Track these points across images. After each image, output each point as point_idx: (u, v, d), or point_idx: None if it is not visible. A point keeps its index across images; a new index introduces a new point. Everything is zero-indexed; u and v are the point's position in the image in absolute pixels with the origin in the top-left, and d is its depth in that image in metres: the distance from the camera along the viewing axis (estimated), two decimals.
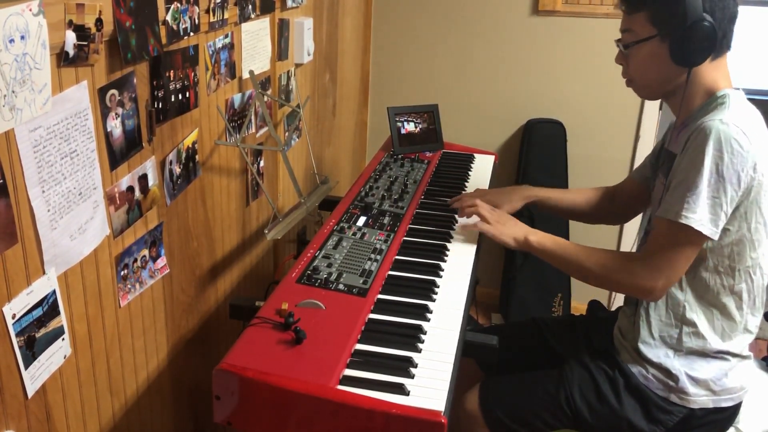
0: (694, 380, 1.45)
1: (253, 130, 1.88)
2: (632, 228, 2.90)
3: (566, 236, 2.95)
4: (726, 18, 1.38)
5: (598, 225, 1.93)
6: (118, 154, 1.25)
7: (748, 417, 1.60)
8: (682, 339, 1.45)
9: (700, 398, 1.45)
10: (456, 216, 1.69)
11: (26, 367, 1.06)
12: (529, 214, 2.89)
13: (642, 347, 1.48)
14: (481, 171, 2.16)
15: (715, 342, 1.44)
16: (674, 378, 1.45)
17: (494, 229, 1.59)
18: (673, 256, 1.36)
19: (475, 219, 1.64)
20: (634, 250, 1.66)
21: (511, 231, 1.59)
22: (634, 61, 1.46)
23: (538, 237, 1.57)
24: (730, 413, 1.50)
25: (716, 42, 1.36)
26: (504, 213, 1.67)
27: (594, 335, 1.68)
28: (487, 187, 2.05)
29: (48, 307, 1.10)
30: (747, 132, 1.30)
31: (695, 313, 1.44)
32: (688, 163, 1.33)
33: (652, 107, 2.80)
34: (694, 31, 1.35)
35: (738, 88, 1.46)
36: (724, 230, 1.36)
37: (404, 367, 1.18)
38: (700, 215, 1.31)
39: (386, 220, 1.71)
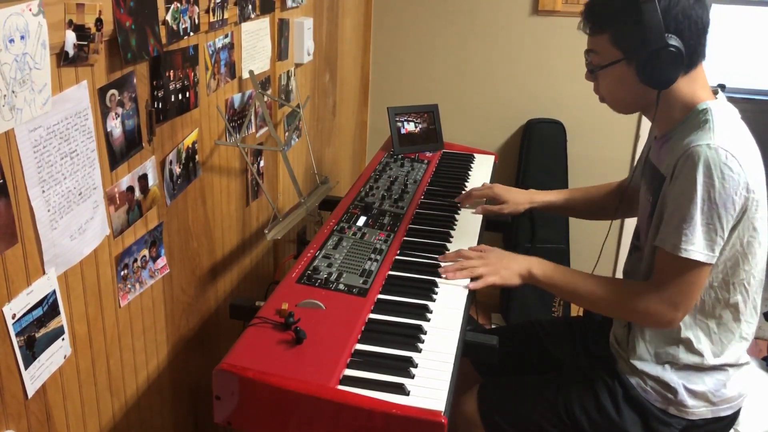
0: (693, 393, 1.43)
1: (253, 130, 1.88)
2: (633, 225, 2.90)
3: (566, 232, 2.95)
4: (695, 33, 1.34)
5: (600, 222, 1.93)
6: (118, 154, 1.25)
7: (748, 418, 1.60)
8: (679, 356, 1.43)
9: (698, 410, 1.44)
10: (444, 277, 1.48)
11: (26, 367, 1.06)
12: (528, 213, 2.90)
13: (638, 363, 1.46)
14: (481, 171, 2.16)
15: (711, 357, 1.43)
16: (673, 391, 1.43)
17: (498, 277, 1.49)
18: (686, 288, 1.35)
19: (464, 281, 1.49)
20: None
21: (513, 269, 1.50)
22: (603, 83, 1.44)
23: (543, 268, 1.50)
24: (730, 420, 1.50)
25: (683, 62, 1.32)
26: (494, 252, 1.55)
27: (591, 339, 1.67)
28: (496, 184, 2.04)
29: (48, 307, 1.10)
30: (736, 154, 1.28)
31: (691, 331, 1.42)
32: (679, 192, 1.32)
33: None
34: (660, 55, 1.31)
35: (716, 89, 1.44)
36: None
37: (404, 367, 1.18)
38: (698, 245, 1.30)
39: (386, 220, 1.71)
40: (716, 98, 1.41)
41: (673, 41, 1.31)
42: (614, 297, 1.44)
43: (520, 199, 1.84)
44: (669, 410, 1.45)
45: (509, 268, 1.50)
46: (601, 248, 1.78)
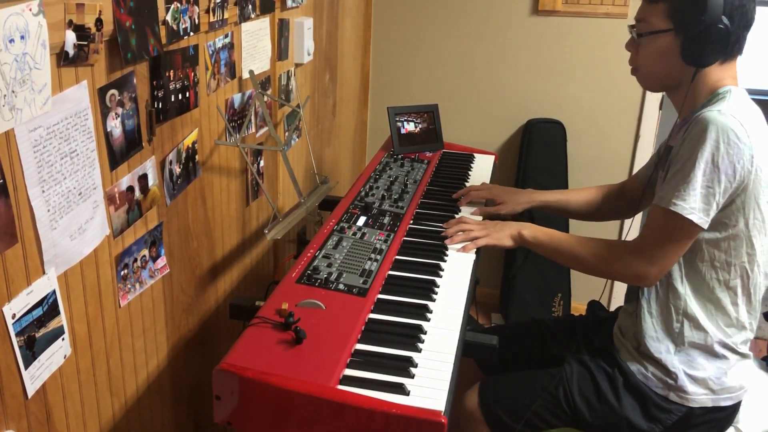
0: (693, 379, 1.45)
1: (253, 130, 1.88)
2: (633, 225, 2.90)
3: (566, 231, 2.94)
4: (743, 24, 1.38)
5: (600, 222, 1.94)
6: (118, 154, 1.25)
7: (748, 417, 1.60)
8: (684, 332, 1.45)
9: (698, 397, 1.46)
10: (447, 245, 1.62)
11: (26, 367, 1.06)
12: (528, 213, 2.90)
13: (644, 341, 1.48)
14: (481, 171, 2.16)
15: (715, 335, 1.44)
16: (673, 376, 1.45)
17: (491, 238, 1.61)
18: (665, 243, 1.38)
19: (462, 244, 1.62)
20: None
21: (505, 231, 1.61)
22: (643, 51, 1.46)
23: (532, 230, 1.60)
24: (729, 412, 1.50)
25: (728, 46, 1.36)
26: (489, 221, 1.68)
27: (594, 335, 1.68)
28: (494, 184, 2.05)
29: (48, 307, 1.10)
30: (745, 124, 1.31)
31: (695, 307, 1.44)
32: (684, 152, 1.34)
33: (653, 107, 2.80)
34: (710, 33, 1.34)
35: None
36: (722, 223, 1.37)
37: (404, 366, 1.18)
38: (691, 203, 1.32)
39: (386, 220, 1.71)
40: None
41: (726, 22, 1.34)
42: (595, 252, 1.48)
43: (518, 199, 1.85)
44: (669, 396, 1.46)
45: (502, 231, 1.62)
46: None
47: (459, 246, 1.61)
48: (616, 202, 1.83)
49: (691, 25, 1.36)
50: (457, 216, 1.77)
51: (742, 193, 1.34)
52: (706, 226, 1.34)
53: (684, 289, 1.44)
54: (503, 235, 1.61)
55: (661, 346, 1.47)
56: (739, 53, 1.43)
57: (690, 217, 1.32)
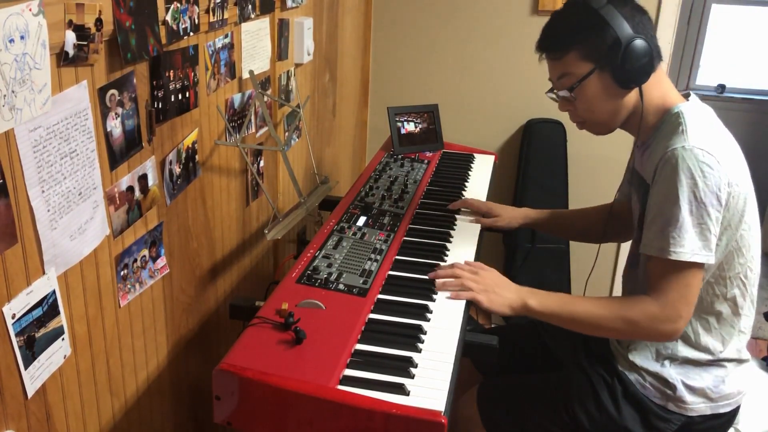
0: (691, 389, 1.44)
1: (253, 130, 1.88)
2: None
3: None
4: (650, 28, 1.39)
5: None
6: (117, 154, 1.25)
7: (747, 417, 1.60)
8: (678, 351, 1.44)
9: (697, 406, 1.45)
10: (435, 289, 1.44)
11: (26, 367, 1.06)
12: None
13: (637, 359, 1.47)
14: (481, 171, 2.16)
15: (712, 352, 1.43)
16: (671, 387, 1.44)
17: (485, 299, 1.41)
18: (685, 292, 1.34)
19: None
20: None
21: (505, 298, 1.42)
22: (581, 101, 1.44)
23: (540, 299, 1.42)
24: (729, 417, 1.50)
25: (653, 52, 1.37)
26: (491, 274, 1.48)
27: (591, 338, 1.67)
28: (487, 187, 2.06)
29: (48, 307, 1.10)
30: (712, 152, 1.30)
31: (691, 327, 1.43)
32: (661, 196, 1.32)
33: None
34: (632, 52, 1.34)
35: (687, 93, 1.46)
36: None
37: (404, 367, 1.18)
38: (690, 246, 1.30)
39: (386, 220, 1.71)
40: (688, 101, 1.43)
41: (639, 35, 1.36)
42: (618, 315, 1.38)
43: (514, 214, 1.84)
44: (668, 406, 1.45)
45: (501, 295, 1.43)
46: (598, 251, 1.78)
47: (448, 294, 1.43)
48: (611, 223, 1.77)
49: (611, 54, 1.36)
50: (456, 220, 1.76)
51: (727, 213, 1.34)
52: (713, 261, 1.33)
53: None
54: (502, 301, 1.42)
55: (656, 364, 1.46)
56: (660, 59, 1.43)
57: (695, 259, 1.30)
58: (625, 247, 2.93)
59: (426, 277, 1.47)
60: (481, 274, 1.46)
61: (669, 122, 1.39)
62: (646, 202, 1.40)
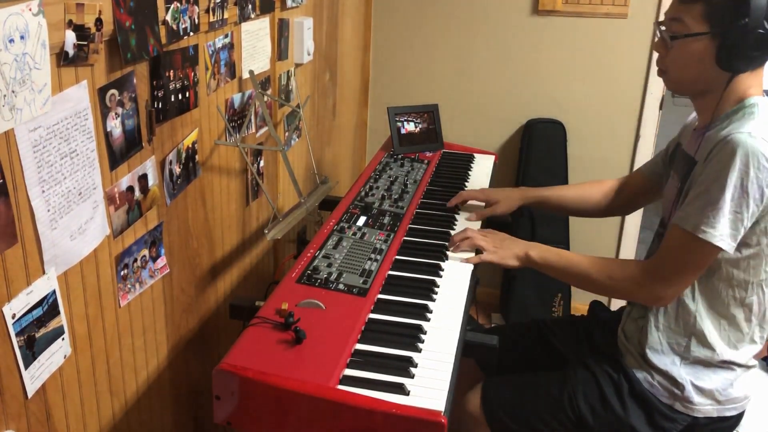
0: (700, 390, 1.44)
1: (253, 130, 1.88)
2: (632, 226, 2.91)
3: (566, 232, 2.95)
4: None
5: (599, 220, 1.92)
6: (117, 154, 1.25)
7: (750, 419, 1.59)
8: (690, 348, 1.44)
9: (704, 407, 1.44)
10: (449, 252, 1.59)
11: (26, 367, 1.06)
12: (529, 213, 2.90)
13: (649, 353, 1.46)
14: (481, 171, 2.16)
15: (722, 352, 1.43)
16: (680, 386, 1.44)
17: (494, 256, 1.56)
18: (685, 266, 1.35)
19: (466, 254, 1.59)
20: (636, 246, 1.64)
21: (511, 251, 1.56)
22: (675, 54, 1.39)
23: (540, 251, 1.55)
24: (733, 422, 1.50)
25: (766, 53, 1.31)
26: (498, 234, 1.62)
27: (596, 336, 1.68)
28: (486, 187, 2.05)
29: (48, 307, 1.10)
30: None
31: (704, 323, 1.42)
32: (711, 175, 1.30)
33: (653, 107, 2.80)
34: (749, 38, 1.28)
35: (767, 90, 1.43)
36: (744, 243, 1.35)
37: (404, 366, 1.18)
38: (721, 230, 1.29)
39: (386, 220, 1.71)
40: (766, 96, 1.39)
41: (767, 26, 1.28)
42: (605, 272, 1.45)
43: (512, 196, 1.83)
44: (675, 406, 1.45)
45: (508, 248, 1.57)
46: (598, 248, 1.78)
47: (462, 256, 1.57)
48: (614, 198, 1.80)
49: (730, 30, 1.29)
50: (457, 220, 1.76)
51: (767, 215, 1.32)
52: (732, 251, 1.32)
53: (695, 306, 1.42)
54: (509, 253, 1.56)
55: (666, 359, 1.45)
56: None
57: (719, 244, 1.30)
58: (626, 244, 2.94)
59: (427, 277, 1.47)
60: (490, 235, 1.62)
61: (741, 110, 1.36)
62: (687, 179, 1.39)
